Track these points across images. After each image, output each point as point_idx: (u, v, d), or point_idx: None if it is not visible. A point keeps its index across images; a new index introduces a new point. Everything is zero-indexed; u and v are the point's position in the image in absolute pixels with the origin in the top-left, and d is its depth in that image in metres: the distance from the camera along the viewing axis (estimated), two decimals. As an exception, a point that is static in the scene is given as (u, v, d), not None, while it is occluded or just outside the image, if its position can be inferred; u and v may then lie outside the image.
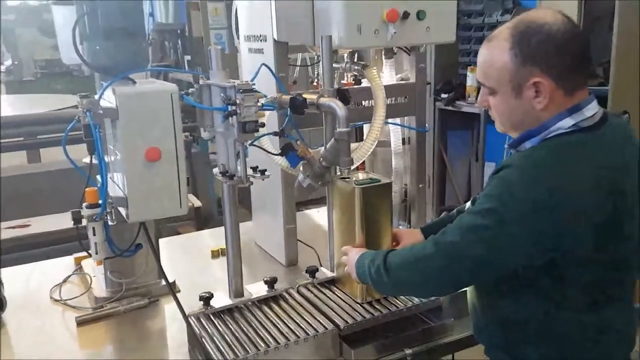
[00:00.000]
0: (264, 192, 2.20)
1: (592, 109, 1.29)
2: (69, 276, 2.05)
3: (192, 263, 2.24)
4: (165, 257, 2.10)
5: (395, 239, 1.71)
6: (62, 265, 2.16)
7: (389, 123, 2.19)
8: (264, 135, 1.75)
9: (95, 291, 1.89)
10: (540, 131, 1.30)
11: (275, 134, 1.72)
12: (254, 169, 1.60)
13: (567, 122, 1.28)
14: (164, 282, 1.82)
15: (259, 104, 1.53)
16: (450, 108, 4.36)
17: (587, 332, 1.32)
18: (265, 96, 1.73)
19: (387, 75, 2.15)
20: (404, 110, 2.17)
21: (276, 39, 1.87)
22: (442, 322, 1.61)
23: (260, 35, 1.97)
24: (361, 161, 1.88)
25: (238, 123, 1.45)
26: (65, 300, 1.89)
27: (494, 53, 1.31)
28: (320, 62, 1.65)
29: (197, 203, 4.13)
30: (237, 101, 1.43)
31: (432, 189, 4.59)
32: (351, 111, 1.95)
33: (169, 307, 1.84)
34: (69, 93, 7.32)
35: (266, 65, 1.79)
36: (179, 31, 10.18)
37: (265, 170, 1.60)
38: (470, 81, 4.21)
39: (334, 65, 2.05)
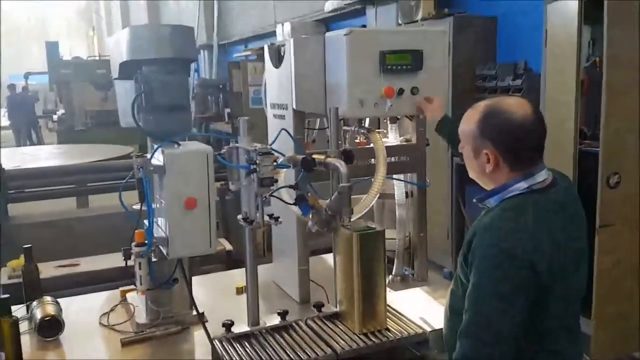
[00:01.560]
0: (282, 238, 2.52)
1: (543, 176, 1.59)
2: (115, 306, 2.39)
3: (220, 297, 2.56)
4: (198, 291, 2.43)
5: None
6: (110, 297, 2.51)
7: (392, 178, 2.50)
8: (282, 187, 2.09)
9: (137, 318, 2.22)
10: (501, 190, 1.60)
11: (290, 187, 2.06)
12: (270, 216, 1.93)
13: (521, 185, 1.58)
14: (194, 312, 2.15)
15: (276, 162, 1.88)
16: (467, 163, 4.61)
17: None
18: (283, 155, 2.08)
19: (392, 137, 2.49)
20: (406, 167, 2.49)
21: (295, 108, 2.25)
22: (426, 352, 1.87)
23: (283, 104, 2.34)
24: (363, 213, 2.18)
25: (257, 179, 1.79)
26: (113, 325, 2.22)
27: (468, 118, 1.64)
28: (328, 128, 2.00)
29: (228, 246, 4.36)
30: (257, 161, 1.78)
31: (451, 239, 4.79)
32: (359, 168, 2.30)
33: (197, 333, 2.14)
34: (116, 142, 7.94)
35: (286, 130, 2.15)
36: (220, 86, 10.83)
37: (279, 217, 1.93)
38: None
39: (347, 127, 2.42)
